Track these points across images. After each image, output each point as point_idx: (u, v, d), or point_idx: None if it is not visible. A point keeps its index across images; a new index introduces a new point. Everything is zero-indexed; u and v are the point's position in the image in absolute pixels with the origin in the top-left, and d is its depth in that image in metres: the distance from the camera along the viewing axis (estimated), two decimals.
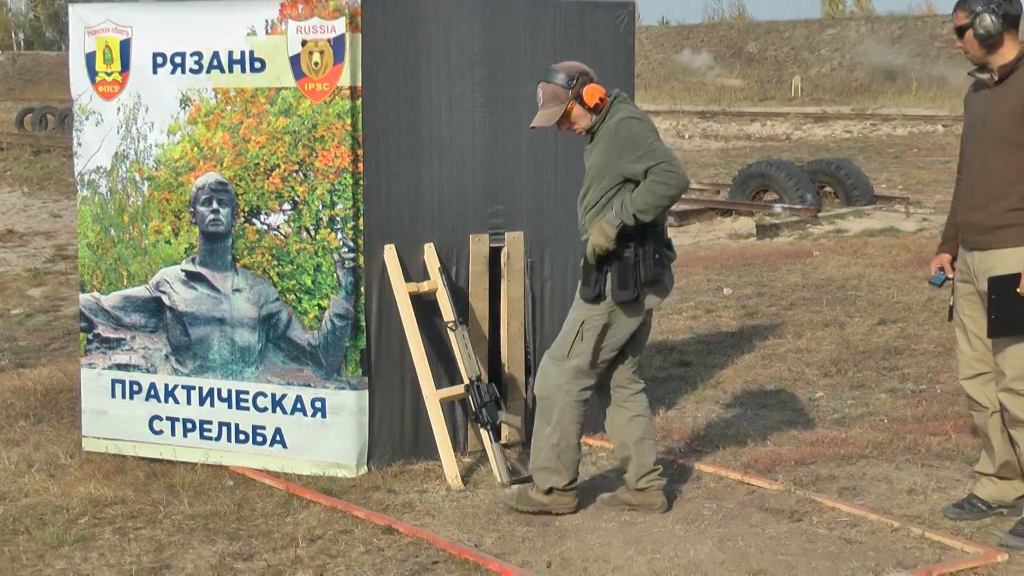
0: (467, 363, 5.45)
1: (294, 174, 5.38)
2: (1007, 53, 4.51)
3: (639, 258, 4.64)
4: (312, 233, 5.37)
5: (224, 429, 5.60)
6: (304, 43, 5.30)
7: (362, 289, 5.35)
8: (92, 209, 5.83)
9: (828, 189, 16.23)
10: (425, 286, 5.48)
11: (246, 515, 4.96)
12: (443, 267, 5.52)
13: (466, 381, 5.45)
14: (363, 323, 5.36)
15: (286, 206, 5.41)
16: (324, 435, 5.42)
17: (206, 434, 5.63)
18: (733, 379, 7.20)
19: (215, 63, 5.47)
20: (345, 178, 5.28)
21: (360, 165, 5.29)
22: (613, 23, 6.01)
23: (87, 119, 5.80)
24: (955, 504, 4.85)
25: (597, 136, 4.75)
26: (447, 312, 5.47)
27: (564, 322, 4.89)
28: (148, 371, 5.74)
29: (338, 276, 5.33)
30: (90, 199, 5.83)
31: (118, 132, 5.71)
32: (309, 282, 5.40)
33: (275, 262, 5.45)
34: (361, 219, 5.31)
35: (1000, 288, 4.41)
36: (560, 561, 4.42)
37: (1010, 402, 4.51)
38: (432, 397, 5.40)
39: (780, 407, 6.63)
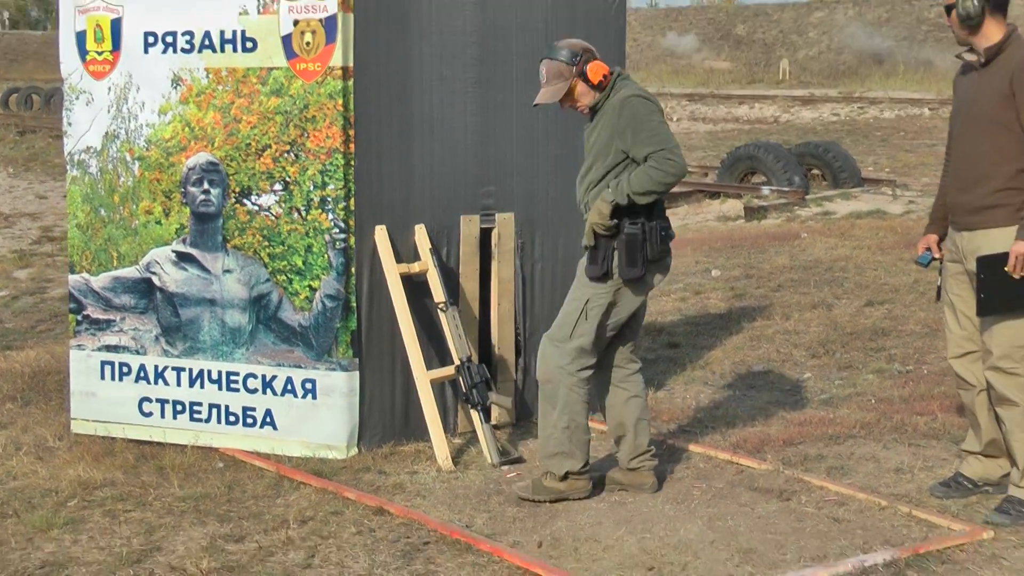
0: (457, 344, 5.46)
1: (285, 154, 5.37)
2: (992, 35, 4.53)
3: (646, 235, 4.62)
4: (303, 214, 5.36)
5: (214, 411, 5.60)
6: (296, 23, 5.28)
7: (353, 270, 5.35)
8: (82, 189, 5.81)
9: (816, 172, 16.26)
10: (416, 267, 5.49)
11: (236, 497, 4.97)
12: (434, 248, 5.53)
13: (456, 362, 5.46)
14: (354, 304, 5.36)
15: (277, 187, 5.40)
16: (314, 416, 5.42)
17: (196, 416, 5.63)
18: (722, 360, 7.23)
19: (207, 43, 5.45)
20: (336, 159, 5.28)
21: (351, 146, 5.29)
22: (604, 3, 6.01)
23: (77, 99, 5.78)
24: (942, 483, 4.89)
25: (600, 114, 4.72)
26: (438, 293, 5.48)
27: (564, 303, 4.82)
28: (138, 353, 5.73)
29: (329, 257, 5.33)
30: (80, 179, 5.81)
31: (109, 112, 5.69)
32: (300, 263, 5.40)
33: (266, 243, 5.45)
34: (352, 200, 5.31)
35: (988, 267, 4.45)
36: (551, 541, 4.44)
37: (997, 380, 4.55)
38: (423, 378, 5.41)
39: (768, 388, 6.66)
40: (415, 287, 5.49)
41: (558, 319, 4.81)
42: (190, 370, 5.63)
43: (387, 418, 5.51)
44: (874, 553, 4.25)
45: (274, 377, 5.48)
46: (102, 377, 5.80)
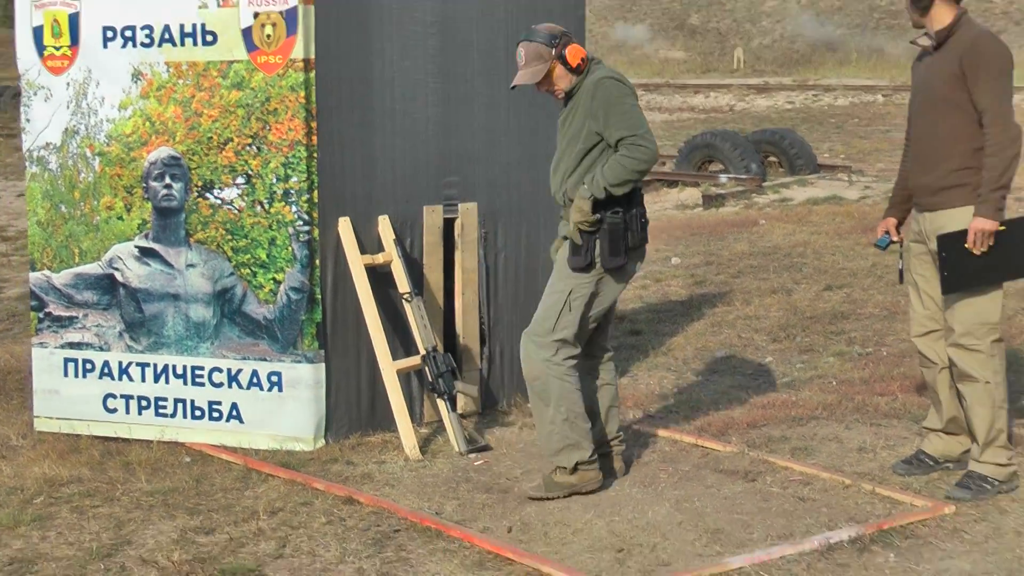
0: (423, 334, 5.48)
1: (247, 148, 5.36)
2: (943, 18, 4.61)
3: (627, 223, 4.64)
4: (266, 207, 5.36)
5: (180, 406, 5.59)
6: (256, 15, 5.28)
7: (317, 262, 5.35)
8: (42, 186, 5.77)
9: (772, 159, 16.38)
10: (380, 258, 5.50)
11: (205, 490, 4.96)
12: (398, 239, 5.54)
13: (422, 352, 5.48)
14: (318, 296, 5.37)
15: (240, 180, 5.39)
16: (281, 409, 5.43)
17: (161, 411, 5.62)
18: (684, 346, 7.29)
19: (166, 36, 5.43)
20: (299, 151, 5.28)
21: (314, 138, 5.29)
22: None
23: (35, 95, 5.74)
24: (904, 460, 4.98)
25: (574, 99, 4.69)
26: (402, 284, 5.49)
27: (543, 297, 4.74)
28: (101, 349, 5.71)
29: (293, 249, 5.33)
30: (40, 176, 5.77)
31: (68, 107, 5.65)
32: (264, 256, 5.39)
33: (229, 236, 5.44)
34: (315, 192, 5.31)
35: (949, 245, 4.54)
36: (521, 526, 4.48)
37: (958, 357, 4.64)
38: (388, 368, 5.42)
39: (731, 372, 6.73)
40: (379, 278, 5.50)
41: (538, 314, 4.74)
42: (155, 365, 5.61)
43: (354, 409, 5.52)
44: (839, 530, 4.32)
45: (240, 371, 5.48)
46: (65, 374, 5.77)
